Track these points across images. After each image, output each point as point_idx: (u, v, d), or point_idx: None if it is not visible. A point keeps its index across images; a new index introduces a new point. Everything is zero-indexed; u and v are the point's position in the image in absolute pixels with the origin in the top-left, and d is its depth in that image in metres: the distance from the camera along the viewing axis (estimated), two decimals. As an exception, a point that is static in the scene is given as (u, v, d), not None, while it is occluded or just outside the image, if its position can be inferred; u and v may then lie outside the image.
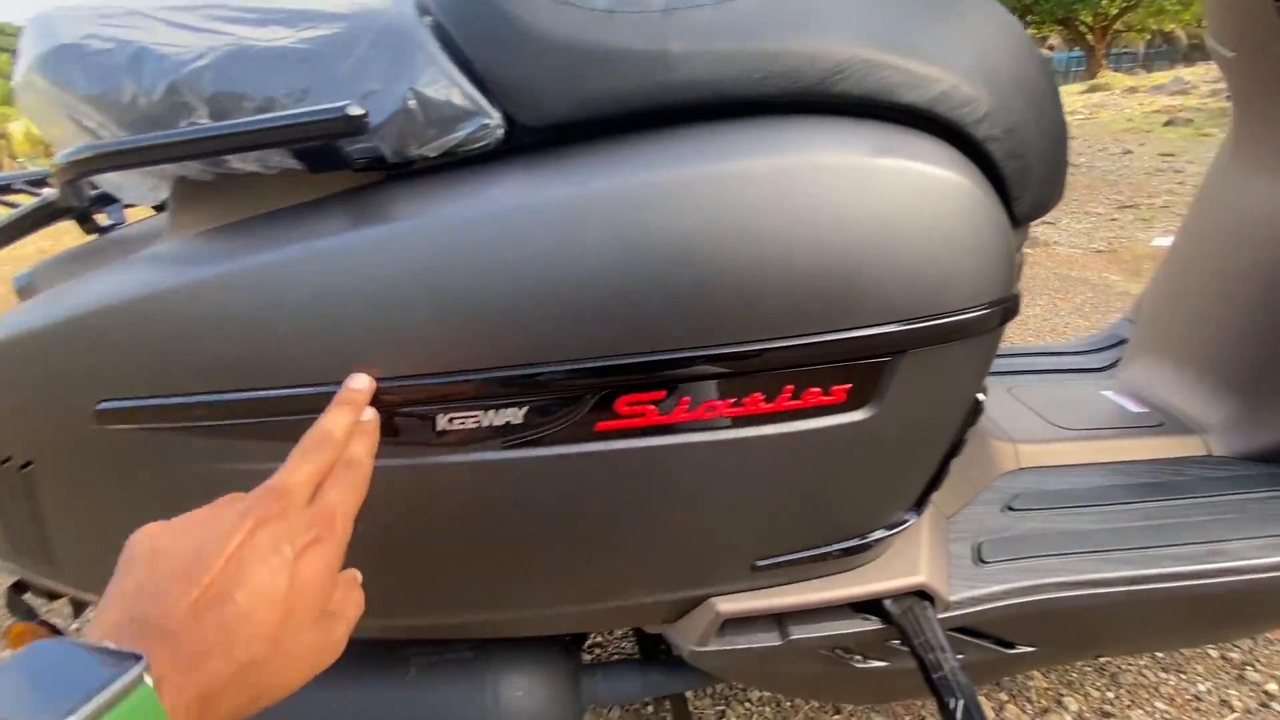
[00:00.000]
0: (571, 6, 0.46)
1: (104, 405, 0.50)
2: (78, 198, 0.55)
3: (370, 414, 0.41)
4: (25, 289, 0.63)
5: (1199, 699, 0.92)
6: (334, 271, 0.46)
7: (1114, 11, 16.57)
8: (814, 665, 0.59)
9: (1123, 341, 1.03)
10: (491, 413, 0.48)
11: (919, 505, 0.58)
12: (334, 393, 0.44)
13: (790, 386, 0.48)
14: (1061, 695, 0.93)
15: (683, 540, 0.54)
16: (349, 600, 0.36)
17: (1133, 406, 0.87)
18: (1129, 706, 0.92)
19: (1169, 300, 0.94)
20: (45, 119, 0.50)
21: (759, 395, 0.48)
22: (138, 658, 0.24)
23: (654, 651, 0.76)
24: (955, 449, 0.57)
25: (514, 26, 0.46)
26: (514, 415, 0.48)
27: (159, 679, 0.25)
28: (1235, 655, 0.98)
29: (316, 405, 0.43)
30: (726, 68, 0.47)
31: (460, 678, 0.65)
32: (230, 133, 0.43)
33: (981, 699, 0.93)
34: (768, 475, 0.52)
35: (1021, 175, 0.56)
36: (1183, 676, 0.95)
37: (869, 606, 0.59)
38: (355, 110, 0.41)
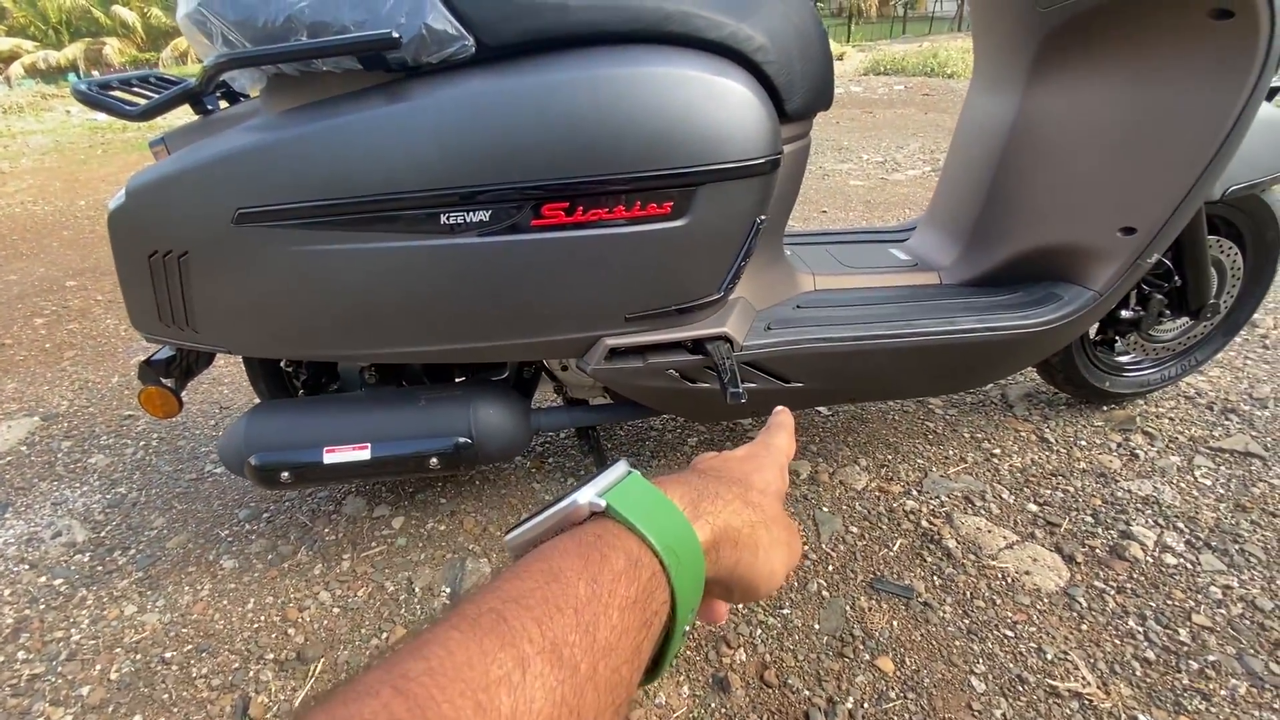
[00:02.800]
0: (513, -23, 0.82)
1: (242, 209, 0.86)
2: (210, 88, 0.89)
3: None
4: (158, 148, 0.96)
5: (948, 459, 1.39)
6: (376, 128, 0.83)
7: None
8: (662, 382, 1.01)
9: (924, 222, 1.44)
10: (470, 213, 0.86)
11: (724, 287, 0.98)
12: (391, 196, 0.81)
13: (638, 202, 0.87)
14: (858, 458, 1.39)
15: (583, 298, 0.93)
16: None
17: (903, 257, 1.30)
18: (900, 463, 1.38)
19: (939, 190, 1.36)
20: (198, 38, 0.83)
21: (621, 207, 0.87)
22: (628, 469, 0.29)
23: (575, 404, 1.18)
24: (746, 253, 0.97)
25: (480, -12, 0.81)
26: (484, 215, 0.86)
27: (695, 504, 0.29)
28: (981, 435, 1.45)
29: (372, 207, 0.80)
30: (603, 14, 0.84)
31: (452, 405, 1.05)
32: (322, 45, 0.78)
33: (802, 460, 1.38)
34: (630, 259, 0.91)
35: (789, 86, 0.94)
36: (940, 448, 1.42)
37: (695, 348, 1.00)
38: (394, 35, 0.76)
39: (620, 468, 0.30)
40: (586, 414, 1.16)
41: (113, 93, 0.94)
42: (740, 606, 1.05)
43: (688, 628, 0.28)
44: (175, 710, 0.94)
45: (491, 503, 1.31)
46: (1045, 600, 1.04)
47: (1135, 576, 1.07)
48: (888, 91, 7.22)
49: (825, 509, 1.25)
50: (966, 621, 1.00)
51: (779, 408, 0.44)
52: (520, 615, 0.21)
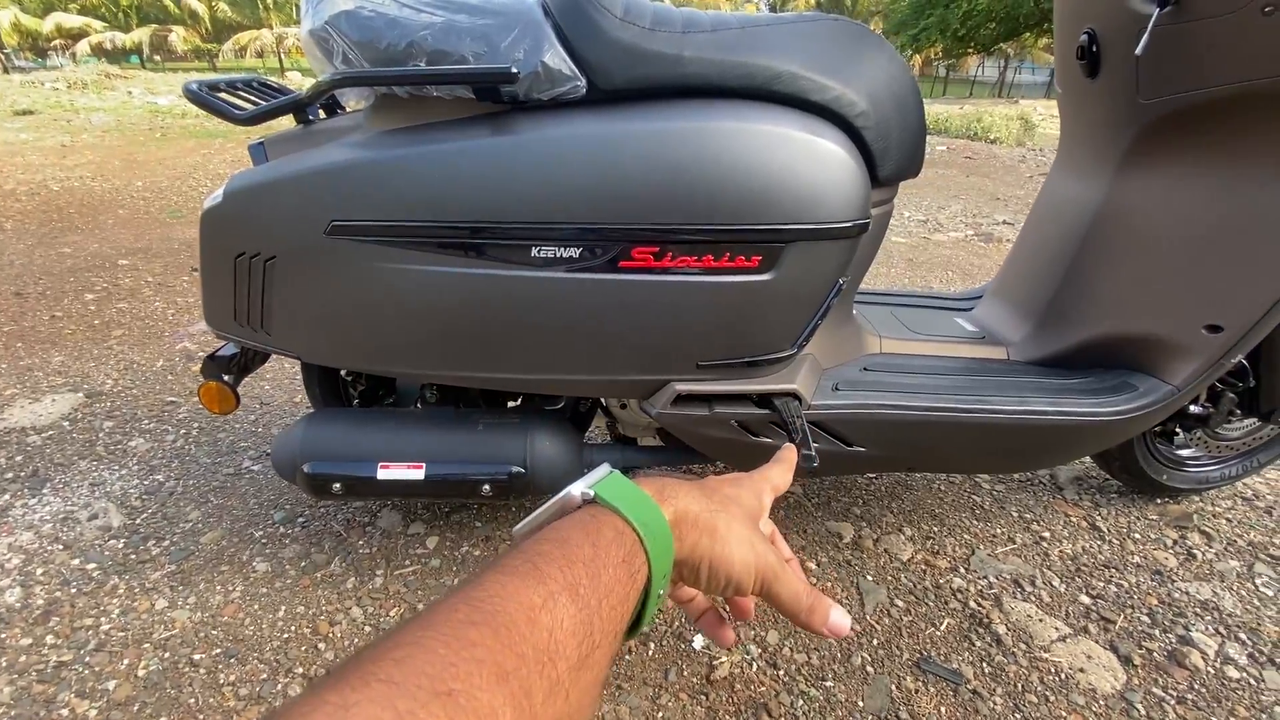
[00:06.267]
0: (630, 24, 0.83)
1: (336, 221, 0.86)
2: (320, 101, 0.91)
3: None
4: (256, 153, 0.98)
5: (995, 538, 1.35)
6: (480, 157, 0.83)
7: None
8: (725, 432, 0.99)
9: (987, 293, 1.43)
10: (561, 248, 0.86)
11: (798, 344, 0.97)
12: (486, 225, 0.81)
13: (728, 254, 0.87)
14: (903, 526, 1.36)
15: (659, 342, 0.92)
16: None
17: (969, 327, 1.28)
18: (946, 536, 1.34)
19: (1011, 262, 1.35)
20: (316, 53, 0.85)
21: (710, 256, 0.87)
22: (610, 469, 0.36)
23: (624, 442, 1.17)
24: (824, 312, 0.96)
25: (599, 31, 0.82)
26: (574, 251, 0.86)
27: (660, 492, 0.35)
28: (1030, 516, 1.41)
29: (465, 233, 0.81)
30: (715, 69, 0.85)
31: (510, 433, 1.04)
32: (440, 73, 0.79)
33: (845, 521, 1.35)
34: (711, 308, 0.90)
35: (884, 152, 0.94)
36: (988, 525, 1.38)
37: (763, 401, 0.99)
38: (513, 70, 0.77)
39: (604, 468, 0.37)
40: (637, 454, 1.15)
41: (220, 95, 0.96)
42: (782, 674, 1.01)
43: (662, 592, 0.34)
44: (201, 717, 0.92)
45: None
46: (1101, 702, 0.99)
47: (1196, 687, 1.02)
48: (929, 152, 7.27)
49: (869, 578, 1.21)
50: (1018, 716, 0.96)
51: (786, 445, 0.51)
52: (546, 565, 0.29)
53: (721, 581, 0.36)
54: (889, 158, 0.95)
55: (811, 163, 0.86)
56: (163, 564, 1.19)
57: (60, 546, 1.22)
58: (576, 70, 0.83)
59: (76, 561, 1.19)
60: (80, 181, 4.20)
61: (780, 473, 0.45)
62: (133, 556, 1.21)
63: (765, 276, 0.89)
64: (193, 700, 0.94)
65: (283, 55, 29.09)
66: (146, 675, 0.98)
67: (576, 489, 0.34)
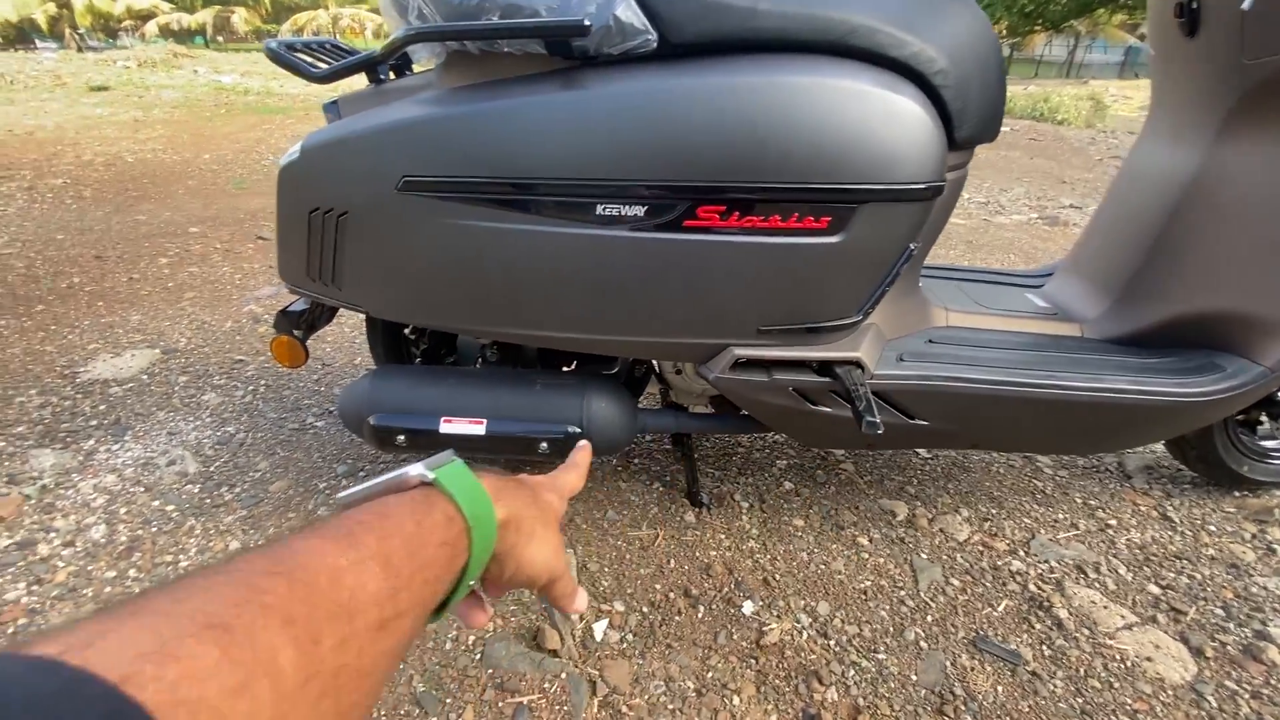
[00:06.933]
0: (705, -24, 0.81)
1: (408, 177, 0.88)
2: (392, 59, 0.92)
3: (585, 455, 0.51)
4: (331, 111, 1.00)
5: (1057, 523, 1.30)
6: (549, 113, 0.83)
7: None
8: (784, 400, 0.98)
9: (1060, 269, 1.37)
10: (626, 206, 0.85)
11: (864, 311, 0.94)
12: (554, 181, 0.82)
13: (796, 214, 0.85)
14: (959, 507, 1.32)
15: (721, 304, 0.91)
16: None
17: (1041, 303, 1.23)
18: (1005, 519, 1.30)
19: (1088, 237, 1.28)
20: (391, 10, 0.86)
21: (777, 217, 0.85)
22: (454, 456, 0.37)
23: (676, 408, 1.17)
24: (892, 279, 0.93)
25: (672, -16, 0.81)
26: (639, 210, 0.85)
27: (498, 491, 0.36)
28: (1095, 503, 1.36)
29: (533, 190, 0.81)
30: (790, 22, 0.82)
31: (568, 393, 1.05)
32: (513, 27, 0.79)
33: (899, 500, 1.33)
34: (776, 270, 0.89)
35: (962, 113, 0.90)
36: (1049, 510, 1.33)
37: (824, 369, 0.97)
38: (586, 23, 0.77)
39: (448, 454, 0.37)
40: (691, 420, 1.14)
41: (298, 54, 0.98)
42: (833, 644, 1.00)
43: (472, 583, 0.35)
44: (272, 650, 0.97)
45: (578, 494, 1.31)
46: (1170, 693, 0.95)
47: (1273, 682, 0.97)
48: (991, 132, 6.98)
49: (924, 555, 1.19)
50: (1080, 701, 0.93)
51: (581, 443, 0.52)
52: (363, 533, 0.29)
53: (522, 578, 0.39)
54: (967, 119, 0.91)
55: (887, 121, 0.83)
56: (235, 508, 1.25)
57: (141, 489, 1.30)
58: (648, 24, 0.82)
59: (156, 503, 1.26)
60: (152, 154, 4.39)
61: (575, 478, 0.48)
62: (207, 501, 1.27)
63: (834, 239, 0.87)
64: (264, 635, 0.99)
65: (338, 36, 29.68)
66: (222, 609, 1.03)
67: (415, 470, 0.35)
